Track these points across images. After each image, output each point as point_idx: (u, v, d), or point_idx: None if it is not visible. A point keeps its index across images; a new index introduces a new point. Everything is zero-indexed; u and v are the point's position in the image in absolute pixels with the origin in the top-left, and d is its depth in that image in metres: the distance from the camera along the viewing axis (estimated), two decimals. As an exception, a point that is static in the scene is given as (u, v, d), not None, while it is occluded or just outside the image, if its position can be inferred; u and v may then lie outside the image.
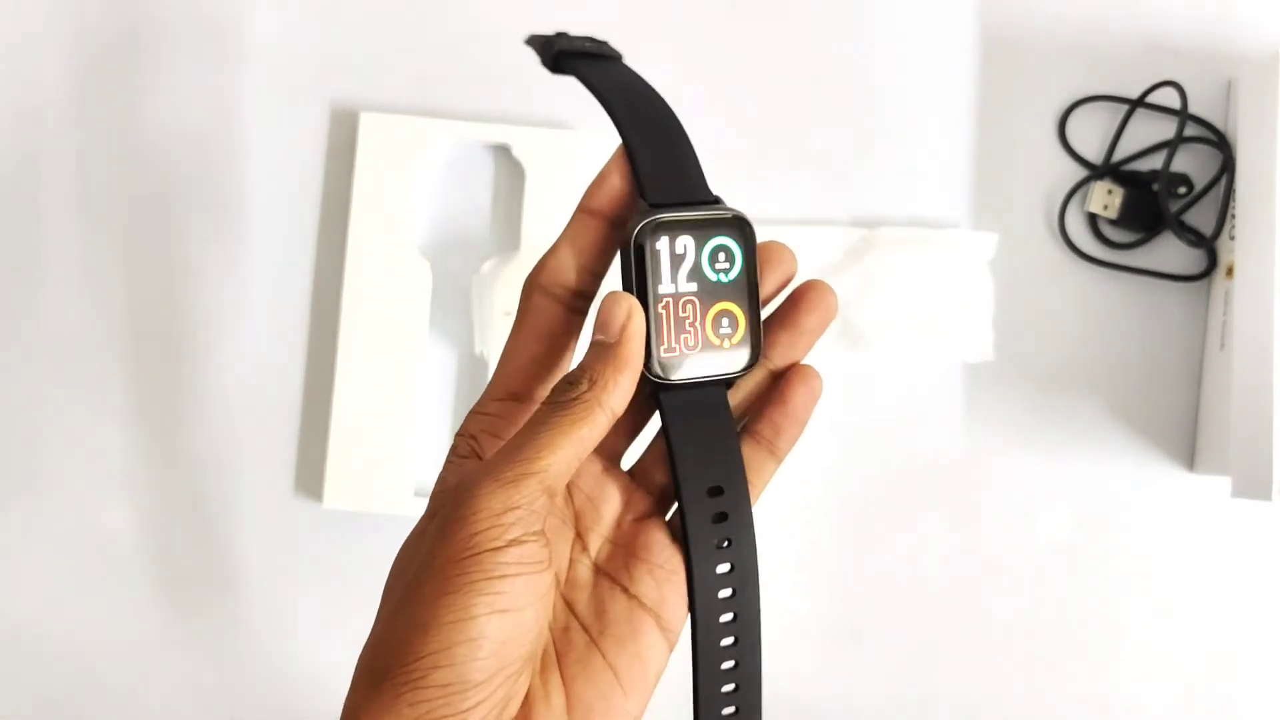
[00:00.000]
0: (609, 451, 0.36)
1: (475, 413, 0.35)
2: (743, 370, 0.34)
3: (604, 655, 0.33)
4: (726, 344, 0.34)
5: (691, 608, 0.33)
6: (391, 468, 0.62)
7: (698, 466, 0.34)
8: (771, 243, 0.36)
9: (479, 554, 0.30)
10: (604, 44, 0.39)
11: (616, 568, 0.34)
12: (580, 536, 0.35)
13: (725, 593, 0.33)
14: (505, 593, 0.30)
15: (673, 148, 0.36)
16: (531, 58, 0.66)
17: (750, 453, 0.35)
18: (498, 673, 0.30)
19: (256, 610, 0.65)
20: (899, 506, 0.64)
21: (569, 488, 0.35)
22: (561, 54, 0.38)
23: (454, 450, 0.35)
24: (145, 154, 0.66)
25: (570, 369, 0.34)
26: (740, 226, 0.34)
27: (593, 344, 0.33)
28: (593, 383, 0.32)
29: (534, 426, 0.32)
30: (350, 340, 0.63)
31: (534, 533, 0.31)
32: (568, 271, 0.34)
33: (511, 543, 0.30)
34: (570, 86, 0.65)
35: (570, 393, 0.32)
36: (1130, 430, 0.64)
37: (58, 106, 0.66)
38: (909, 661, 0.64)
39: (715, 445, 0.34)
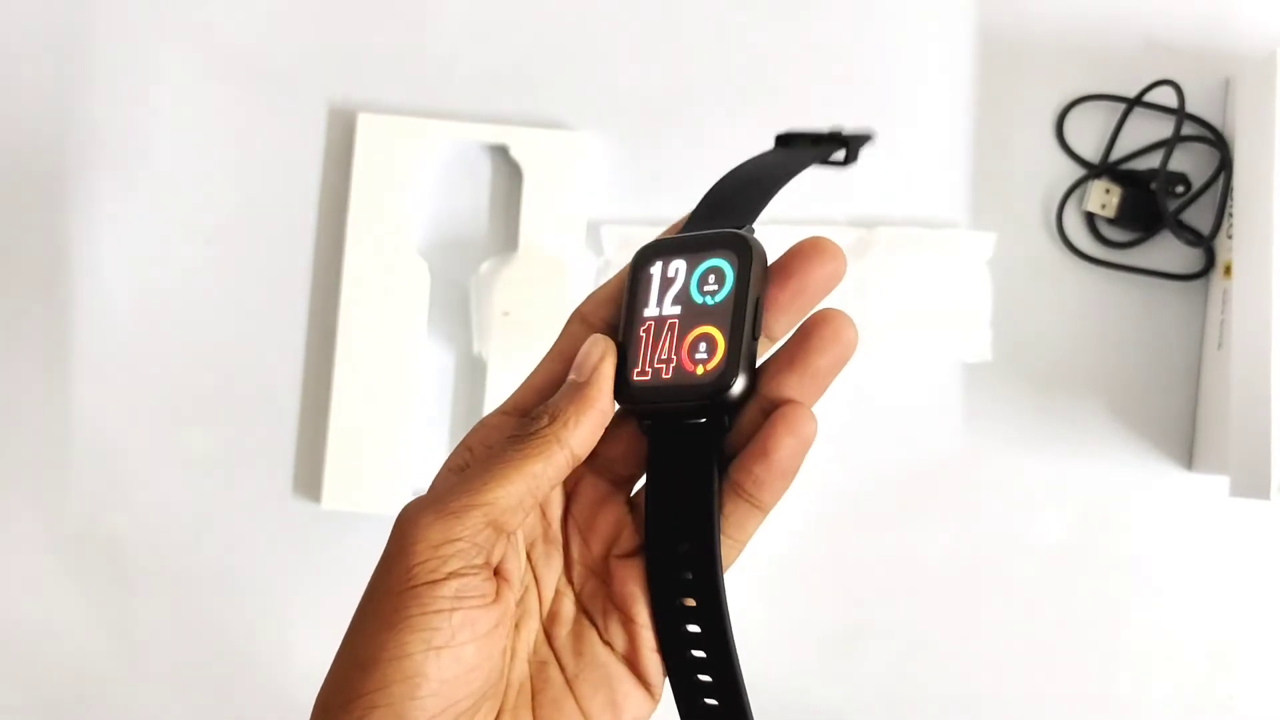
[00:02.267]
0: (616, 478, 0.34)
1: (481, 424, 0.34)
2: (714, 399, 0.31)
3: (578, 699, 0.32)
4: (700, 369, 0.31)
5: (669, 673, 0.32)
6: (390, 468, 0.62)
7: (668, 520, 0.32)
8: (813, 237, 0.32)
9: (415, 587, 0.29)
10: (842, 135, 0.35)
11: (595, 609, 0.33)
12: (568, 568, 0.33)
13: (698, 653, 0.31)
14: (441, 629, 0.29)
15: (737, 183, 0.33)
16: (528, 58, 0.66)
17: (732, 505, 0.32)
18: (443, 712, 0.29)
19: (255, 610, 0.65)
20: (897, 506, 0.64)
21: (566, 513, 0.34)
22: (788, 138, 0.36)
23: (450, 460, 0.34)
24: (144, 155, 0.66)
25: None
26: (736, 245, 0.31)
27: (566, 382, 0.32)
28: (553, 419, 0.31)
29: (489, 459, 0.31)
30: (348, 341, 0.63)
31: (475, 566, 0.30)
32: (614, 305, 0.33)
33: (450, 575, 0.29)
34: (567, 86, 0.65)
35: (530, 427, 0.31)
36: (1128, 429, 0.64)
37: (56, 106, 0.66)
38: (909, 661, 0.64)
39: (689, 497, 0.31)
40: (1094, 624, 0.64)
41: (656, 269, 0.32)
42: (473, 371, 0.65)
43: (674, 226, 0.34)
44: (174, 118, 0.66)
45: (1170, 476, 0.64)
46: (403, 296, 0.63)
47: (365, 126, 0.64)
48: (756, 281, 0.31)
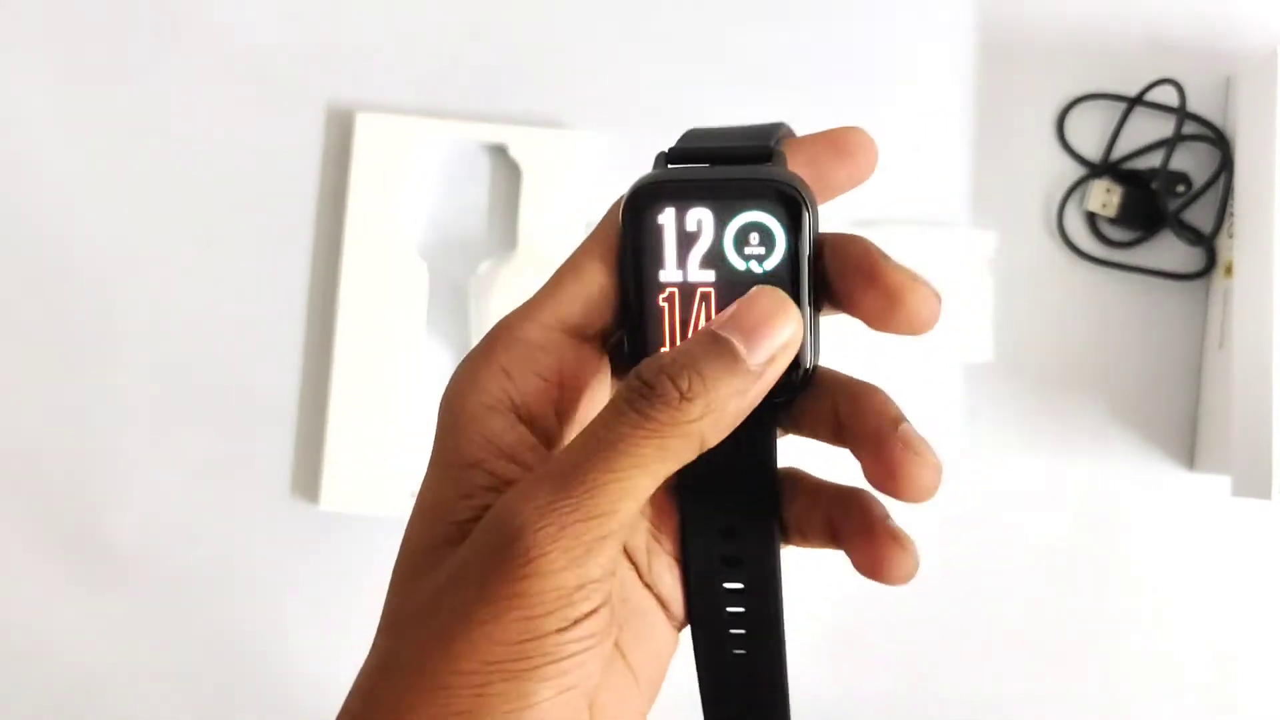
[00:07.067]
0: None
1: (513, 334, 0.27)
2: (780, 391, 0.26)
3: (623, 652, 0.28)
4: None
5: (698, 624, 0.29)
6: (388, 470, 0.62)
7: (714, 500, 0.27)
8: (844, 128, 0.27)
9: (541, 637, 0.24)
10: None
11: (636, 547, 0.29)
12: None
13: (740, 652, 0.29)
14: (570, 673, 0.24)
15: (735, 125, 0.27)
16: (528, 57, 0.66)
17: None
18: None
19: (253, 612, 0.64)
20: (898, 506, 0.64)
21: None
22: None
23: (477, 386, 0.26)
24: (142, 155, 0.66)
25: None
26: (786, 199, 0.26)
27: (709, 337, 0.25)
28: (691, 395, 0.24)
29: (604, 450, 0.24)
30: (347, 341, 0.63)
31: (606, 600, 0.25)
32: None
33: (582, 618, 0.24)
34: (566, 85, 0.65)
35: (661, 395, 0.24)
36: (1130, 429, 0.64)
37: (57, 105, 0.66)
38: (909, 661, 0.64)
39: (741, 476, 0.27)
40: (1094, 624, 0.64)
41: (668, 217, 0.26)
42: (471, 372, 0.64)
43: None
44: (172, 117, 0.66)
45: (1171, 476, 0.63)
46: (401, 296, 0.63)
47: (364, 126, 0.64)
48: (813, 243, 0.26)
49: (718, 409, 0.24)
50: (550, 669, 0.24)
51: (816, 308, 0.27)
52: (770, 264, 0.26)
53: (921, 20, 0.65)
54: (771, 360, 0.24)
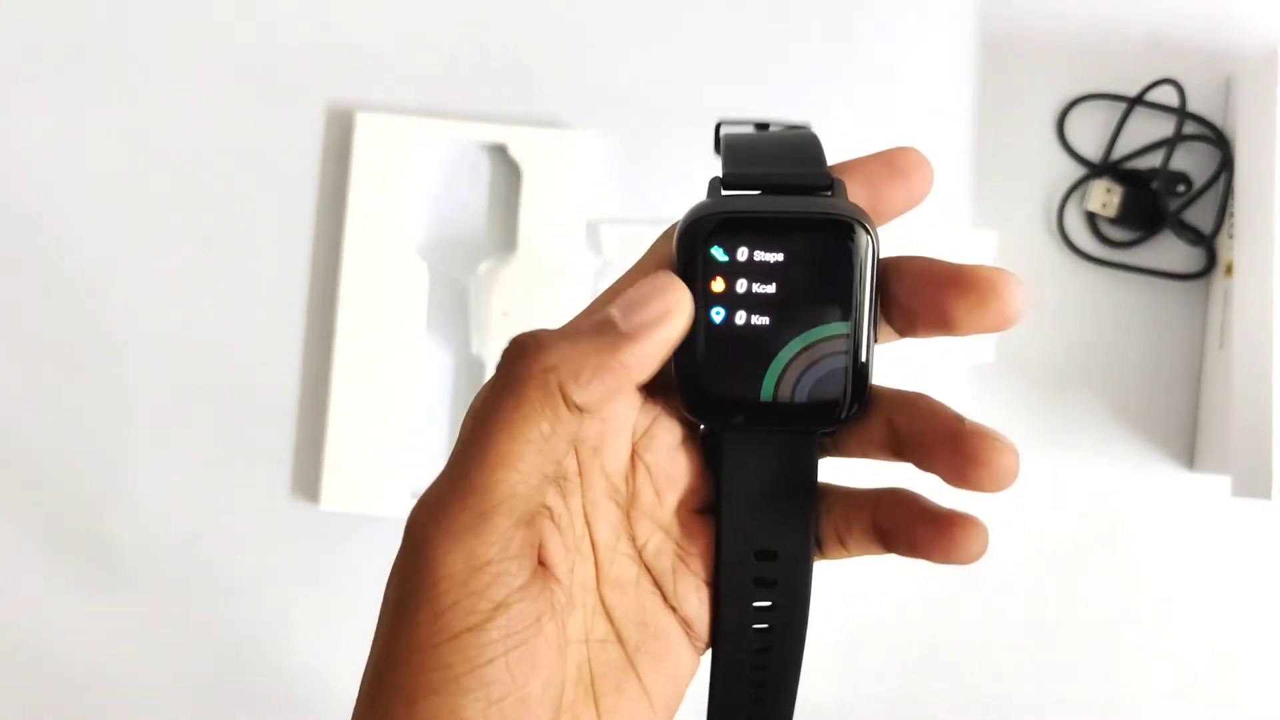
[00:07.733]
0: (691, 420, 0.29)
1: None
2: (825, 424, 0.27)
3: (640, 677, 0.28)
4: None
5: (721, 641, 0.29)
6: (388, 469, 0.62)
7: (752, 520, 0.28)
8: (898, 148, 0.28)
9: (455, 638, 0.23)
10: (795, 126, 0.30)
11: (662, 569, 0.28)
12: (630, 521, 0.28)
13: (757, 675, 0.29)
14: (498, 680, 0.24)
15: (782, 136, 0.28)
16: (527, 57, 0.66)
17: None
18: None
19: (253, 612, 0.64)
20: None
21: (634, 458, 0.28)
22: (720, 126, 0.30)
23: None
24: (142, 155, 0.66)
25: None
26: (839, 232, 0.26)
27: (598, 315, 0.25)
28: (545, 342, 0.24)
29: (470, 425, 0.25)
30: (347, 341, 0.63)
31: (519, 586, 0.24)
32: None
33: (495, 611, 0.24)
34: (566, 85, 0.65)
35: (516, 344, 0.25)
36: (1130, 429, 0.64)
37: (57, 105, 0.66)
38: (909, 661, 0.64)
39: (782, 501, 0.28)
40: (1094, 624, 0.64)
41: (724, 249, 0.26)
42: (471, 372, 0.64)
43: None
44: (172, 117, 0.66)
45: (1172, 476, 0.63)
46: (401, 296, 0.63)
47: (363, 126, 0.64)
48: (870, 276, 0.26)
49: (576, 359, 0.24)
50: (470, 678, 0.23)
51: (875, 338, 0.27)
52: (830, 294, 0.26)
53: (922, 20, 0.65)
54: (645, 324, 0.25)
